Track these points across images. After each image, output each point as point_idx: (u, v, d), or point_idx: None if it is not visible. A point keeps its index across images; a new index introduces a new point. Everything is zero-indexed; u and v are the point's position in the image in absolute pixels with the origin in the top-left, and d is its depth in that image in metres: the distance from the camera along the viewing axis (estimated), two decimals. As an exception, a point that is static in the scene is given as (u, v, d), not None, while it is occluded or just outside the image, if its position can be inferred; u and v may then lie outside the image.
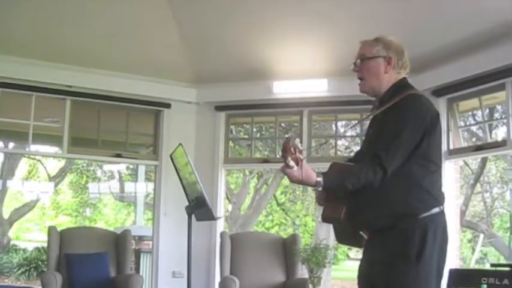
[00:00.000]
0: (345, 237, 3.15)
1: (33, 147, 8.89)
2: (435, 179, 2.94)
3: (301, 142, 2.71)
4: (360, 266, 3.07)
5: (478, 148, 7.28)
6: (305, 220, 18.43)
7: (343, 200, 2.89)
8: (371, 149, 2.91)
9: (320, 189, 2.78)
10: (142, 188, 17.29)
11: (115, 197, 20.30)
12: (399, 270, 2.81)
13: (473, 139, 11.62)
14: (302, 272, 7.53)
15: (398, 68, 3.02)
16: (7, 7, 6.78)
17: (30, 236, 20.70)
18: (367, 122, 3.19)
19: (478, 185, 15.38)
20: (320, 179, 2.74)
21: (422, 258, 2.79)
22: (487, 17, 6.08)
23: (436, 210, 2.87)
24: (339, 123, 8.45)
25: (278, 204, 18.08)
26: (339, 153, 9.43)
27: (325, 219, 3.01)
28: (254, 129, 9.57)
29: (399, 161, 2.81)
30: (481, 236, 16.16)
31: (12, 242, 18.10)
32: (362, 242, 3.04)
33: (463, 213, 13.09)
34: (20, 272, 15.39)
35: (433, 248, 2.83)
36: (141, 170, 16.60)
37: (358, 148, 3.40)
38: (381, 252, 2.88)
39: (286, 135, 2.69)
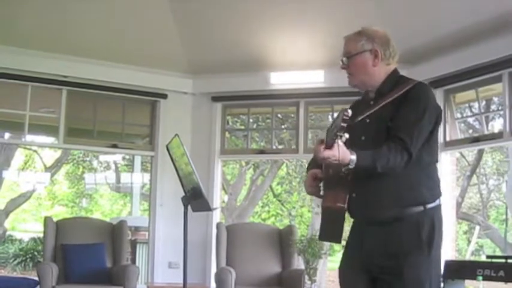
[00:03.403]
0: (329, 231, 3.04)
1: (29, 138, 8.87)
2: (437, 172, 2.97)
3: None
4: (350, 254, 3.05)
5: (475, 140, 7.28)
6: (301, 211, 18.46)
7: (344, 187, 2.86)
8: (371, 138, 2.90)
9: (351, 166, 2.69)
10: (138, 179, 17.29)
11: (111, 188, 20.31)
12: (413, 261, 2.80)
13: (470, 131, 11.62)
14: (298, 263, 7.53)
15: (387, 59, 2.99)
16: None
17: (26, 227, 20.71)
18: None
19: (474, 176, 15.42)
20: (354, 157, 2.67)
21: (432, 248, 2.82)
22: (484, 8, 6.08)
23: (439, 201, 2.91)
24: (335, 115, 8.43)
25: (274, 195, 18.10)
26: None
27: (328, 209, 2.95)
28: (250, 120, 9.55)
29: (419, 147, 2.82)
30: (477, 227, 16.23)
31: (8, 233, 18.13)
32: (341, 238, 3.00)
33: (459, 205, 13.13)
34: (16, 262, 15.42)
35: (440, 238, 2.86)
36: (137, 160, 16.63)
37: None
38: (389, 244, 2.86)
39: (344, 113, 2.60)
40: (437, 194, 2.91)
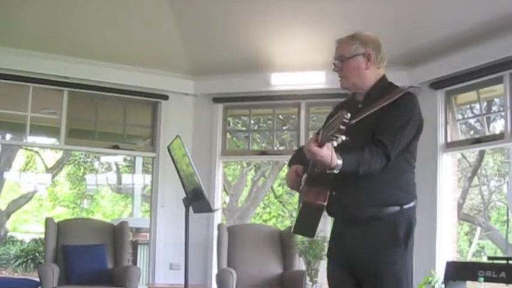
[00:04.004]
0: (305, 225, 3.11)
1: (31, 139, 8.85)
2: (414, 176, 3.08)
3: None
4: (333, 254, 3.12)
5: (476, 141, 7.27)
6: (302, 212, 18.42)
7: (326, 186, 2.91)
8: (354, 140, 2.85)
9: (336, 172, 2.75)
10: (139, 180, 17.26)
11: (112, 189, 20.27)
12: (391, 258, 2.90)
13: (471, 132, 11.61)
14: (299, 264, 7.54)
15: (378, 63, 3.08)
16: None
17: (27, 228, 20.66)
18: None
19: (476, 178, 15.38)
20: (340, 162, 2.73)
21: (408, 246, 2.93)
22: (486, 9, 6.08)
23: (414, 203, 3.01)
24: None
25: (275, 197, 18.07)
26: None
27: (308, 204, 2.99)
28: (252, 121, 9.55)
29: (398, 153, 2.92)
30: (478, 229, 16.18)
31: (9, 234, 18.09)
32: (315, 233, 3.09)
33: (460, 206, 13.11)
34: (17, 263, 15.39)
35: (413, 237, 2.97)
36: (139, 161, 16.60)
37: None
38: (368, 242, 2.93)
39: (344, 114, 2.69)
40: (413, 197, 3.02)
